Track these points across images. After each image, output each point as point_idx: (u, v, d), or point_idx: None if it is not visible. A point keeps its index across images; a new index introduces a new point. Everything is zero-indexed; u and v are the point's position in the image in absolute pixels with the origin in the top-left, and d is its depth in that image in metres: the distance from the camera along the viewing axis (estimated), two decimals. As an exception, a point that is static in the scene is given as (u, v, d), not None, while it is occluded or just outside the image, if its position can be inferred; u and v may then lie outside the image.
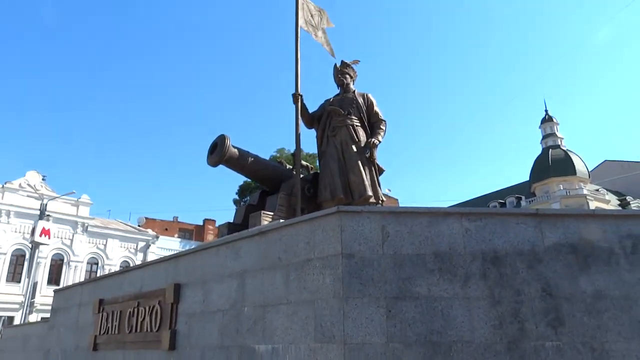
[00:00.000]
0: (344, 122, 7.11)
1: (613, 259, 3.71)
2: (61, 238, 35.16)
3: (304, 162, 8.71)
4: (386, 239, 3.59)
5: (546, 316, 3.49)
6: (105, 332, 6.13)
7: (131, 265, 33.34)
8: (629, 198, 53.06)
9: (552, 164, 51.44)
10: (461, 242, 3.64)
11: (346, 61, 7.90)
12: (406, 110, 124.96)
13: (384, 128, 7.37)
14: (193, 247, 5.27)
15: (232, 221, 7.15)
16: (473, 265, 3.59)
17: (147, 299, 5.50)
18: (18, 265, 33.19)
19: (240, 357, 4.06)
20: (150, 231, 41.28)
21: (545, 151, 54.24)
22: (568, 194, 47.72)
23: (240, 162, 6.94)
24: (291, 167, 7.92)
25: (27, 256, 28.29)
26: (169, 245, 39.79)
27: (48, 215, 26.79)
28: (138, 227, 42.31)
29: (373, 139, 7.06)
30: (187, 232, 50.27)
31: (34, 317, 25.27)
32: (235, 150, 6.82)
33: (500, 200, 55.17)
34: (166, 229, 49.25)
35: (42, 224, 19.58)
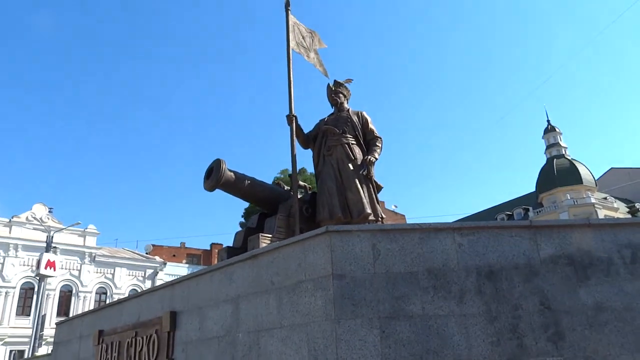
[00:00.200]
0: (340, 141, 7.10)
1: (613, 269, 3.62)
2: (69, 269, 35.22)
3: (301, 183, 8.67)
4: (377, 258, 3.52)
5: (546, 331, 3.39)
6: (105, 363, 6.04)
7: (139, 293, 33.12)
8: (638, 205, 52.44)
9: (558, 173, 51.11)
10: (454, 257, 3.56)
11: (339, 80, 7.93)
12: (409, 125, 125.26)
13: (379, 145, 7.35)
14: (188, 273, 5.22)
15: (232, 245, 7.11)
16: (468, 281, 3.50)
17: (144, 328, 5.42)
18: (27, 298, 33.18)
19: (236, 385, 3.96)
20: (157, 258, 41.23)
21: (549, 161, 53.95)
22: (576, 203, 47.28)
23: (237, 185, 6.91)
24: (289, 188, 7.88)
25: (42, 289, 28.34)
26: (177, 271, 39.63)
27: (55, 247, 26.89)
28: (145, 255, 42.29)
29: (369, 156, 7.03)
30: (194, 257, 50.19)
31: (43, 350, 25.08)
32: (232, 173, 6.80)
33: (508, 212, 54.73)
34: (174, 255, 49.21)
35: (47, 257, 19.59)
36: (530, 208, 52.58)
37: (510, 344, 3.34)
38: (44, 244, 25.22)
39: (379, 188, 7.25)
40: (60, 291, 34.77)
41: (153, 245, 46.60)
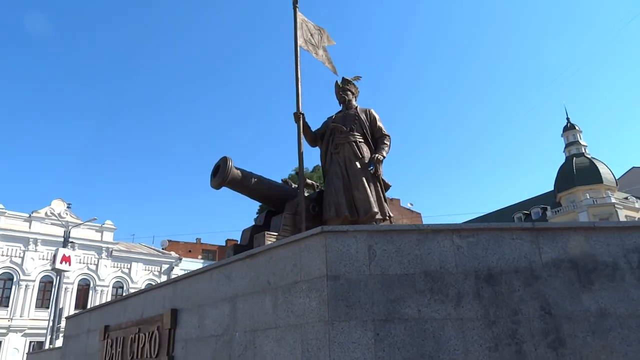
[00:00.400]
0: (347, 139, 7.03)
1: (618, 275, 3.49)
2: (87, 263, 35.83)
3: (309, 181, 8.62)
4: (373, 259, 3.46)
5: (546, 337, 3.29)
6: (110, 359, 6.08)
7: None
8: (660, 205, 51.26)
9: (577, 172, 50.16)
10: (452, 260, 3.48)
11: (347, 78, 7.86)
12: (428, 123, 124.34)
13: (388, 143, 7.25)
14: (190, 271, 5.22)
15: (239, 242, 7.11)
16: (466, 284, 3.42)
17: (147, 325, 5.44)
18: (46, 291, 33.86)
19: (232, 385, 3.94)
20: (173, 253, 41.65)
21: (569, 160, 52.98)
22: (595, 202, 46.37)
23: (243, 183, 6.89)
24: (297, 186, 7.84)
25: (60, 283, 28.88)
26: (192, 266, 39.97)
27: (72, 242, 27.33)
28: (161, 250, 42.76)
29: (377, 155, 6.94)
30: (210, 253, 50.61)
31: (60, 342, 25.56)
32: (238, 171, 6.78)
33: (525, 211, 53.97)
34: (189, 251, 49.70)
35: (62, 251, 19.92)
36: (549, 207, 51.77)
37: (508, 349, 3.25)
38: (62, 239, 25.70)
39: (387, 186, 7.16)
40: (78, 285, 35.41)
41: (169, 241, 47.09)
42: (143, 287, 35.91)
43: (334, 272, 3.40)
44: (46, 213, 35.00)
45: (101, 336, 6.46)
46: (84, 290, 35.59)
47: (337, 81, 7.74)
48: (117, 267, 37.43)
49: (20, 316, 32.18)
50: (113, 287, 36.71)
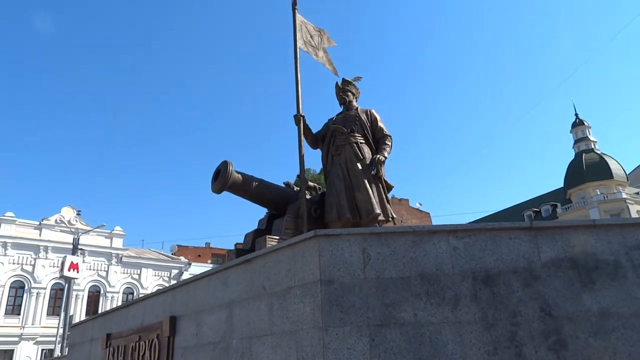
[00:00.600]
0: (348, 140, 6.97)
1: (620, 273, 3.39)
2: (97, 270, 36.06)
3: (311, 183, 8.56)
4: (367, 263, 3.39)
5: (546, 339, 3.20)
6: (112, 367, 6.06)
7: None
8: (673, 200, 50.57)
9: (587, 168, 49.65)
10: (449, 261, 3.40)
11: (347, 79, 7.81)
12: (434, 121, 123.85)
13: (389, 143, 7.18)
14: (188, 277, 5.18)
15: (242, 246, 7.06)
16: (463, 286, 3.34)
17: (147, 333, 5.41)
18: (57, 299, 34.06)
19: (229, 392, 3.89)
20: (182, 258, 41.77)
21: (578, 156, 52.47)
22: (606, 198, 45.84)
23: (244, 187, 6.85)
24: (299, 188, 7.79)
25: (69, 290, 29.08)
26: (202, 271, 40.02)
27: (81, 249, 27.48)
28: (171, 255, 42.91)
29: (378, 155, 6.87)
30: (219, 257, 50.68)
31: (71, 350, 25.67)
32: (239, 175, 6.74)
33: (535, 209, 53.53)
34: (199, 255, 49.87)
35: (70, 259, 20.02)
36: (559, 204, 51.28)
37: (508, 352, 3.16)
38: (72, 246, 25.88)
39: (389, 187, 7.09)
40: (89, 291, 35.63)
41: (178, 246, 47.26)
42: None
43: (328, 276, 3.34)
44: (56, 220, 35.27)
45: (103, 344, 6.44)
46: (94, 297, 35.80)
47: (337, 82, 7.68)
48: (127, 273, 37.60)
49: (32, 324, 32.41)
50: (123, 293, 36.89)
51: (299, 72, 7.51)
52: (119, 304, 35.04)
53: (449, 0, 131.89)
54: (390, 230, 3.51)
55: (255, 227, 7.39)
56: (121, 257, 37.31)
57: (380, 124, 7.25)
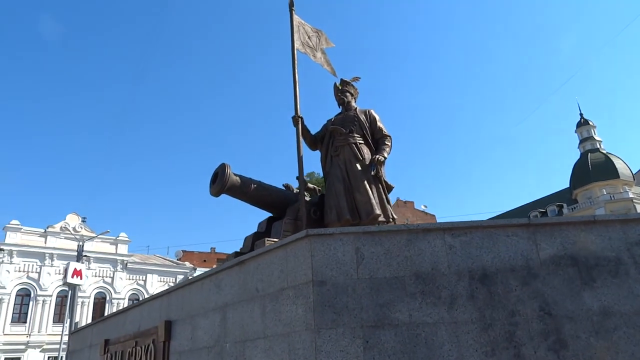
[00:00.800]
0: (347, 141, 6.89)
1: (622, 270, 3.29)
2: (102, 277, 36.08)
3: (310, 185, 8.48)
4: (361, 262, 3.30)
5: (546, 339, 3.10)
6: (109, 373, 5.99)
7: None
8: (680, 199, 50.08)
9: (593, 168, 49.29)
10: (445, 260, 3.31)
11: (346, 79, 7.74)
12: (438, 123, 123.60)
13: (389, 144, 7.09)
14: (183, 281, 5.11)
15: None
16: (459, 285, 3.24)
17: (143, 338, 5.34)
18: (63, 306, 34.06)
19: (223, 397, 3.81)
20: (188, 264, 41.76)
21: (584, 155, 52.11)
22: (612, 198, 45.45)
23: (243, 189, 6.79)
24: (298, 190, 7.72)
25: (74, 297, 29.07)
26: (206, 277, 39.97)
27: (87, 255, 27.48)
28: (176, 261, 42.92)
29: (378, 156, 6.78)
30: (224, 262, 50.52)
31: (77, 357, 25.65)
32: (237, 178, 6.68)
33: (541, 209, 53.10)
34: (204, 261, 49.78)
35: (73, 265, 20.01)
36: (565, 204, 50.91)
37: (506, 353, 3.06)
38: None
39: (389, 188, 7.00)
40: (95, 298, 35.65)
41: (183, 251, 47.27)
42: (158, 298, 36.18)
43: (320, 277, 3.25)
44: (61, 227, 35.34)
45: (101, 350, 6.38)
46: (100, 303, 35.79)
47: (335, 83, 7.62)
48: (133, 279, 37.61)
49: (39, 332, 32.45)
50: (129, 299, 36.85)
51: (296, 73, 7.45)
52: (125, 310, 35.12)
53: (453, 1, 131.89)
54: (383, 229, 3.42)
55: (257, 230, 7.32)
56: (126, 264, 37.34)
57: (379, 124, 7.16)
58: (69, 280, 19.33)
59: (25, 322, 32.39)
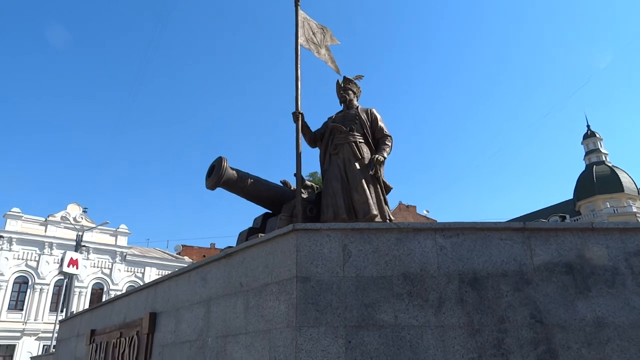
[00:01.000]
0: (346, 139, 6.78)
1: (618, 280, 3.16)
2: (101, 268, 36.05)
3: (308, 182, 8.37)
4: (348, 260, 3.19)
5: (536, 348, 2.98)
6: (94, 364, 5.89)
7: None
8: (685, 215, 49.68)
9: (597, 180, 48.99)
10: (434, 261, 3.19)
11: (349, 77, 7.63)
12: (443, 130, 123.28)
13: (389, 144, 6.97)
14: (170, 273, 5.00)
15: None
16: (448, 288, 3.13)
17: (128, 329, 5.24)
18: (60, 295, 34.01)
19: (202, 393, 3.70)
20: (186, 258, 41.71)
21: (589, 168, 51.83)
22: (616, 212, 45.15)
23: (239, 184, 6.69)
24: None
25: (70, 286, 29.07)
26: (205, 273, 39.88)
27: (85, 245, 27.44)
28: (175, 255, 42.88)
29: (377, 155, 6.67)
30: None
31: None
32: (234, 172, 6.58)
33: (544, 220, 52.84)
34: (204, 256, 49.69)
35: (69, 255, 19.96)
36: (567, 216, 50.58)
37: (493, 361, 2.94)
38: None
39: (388, 189, 6.88)
40: (92, 288, 35.62)
41: (183, 246, 47.23)
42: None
43: (305, 273, 3.14)
44: (62, 217, 35.35)
45: (87, 340, 6.28)
46: (97, 294, 35.77)
47: (338, 80, 7.51)
48: (131, 271, 37.59)
49: (35, 320, 32.44)
50: (126, 291, 36.85)
51: (299, 69, 7.34)
52: (122, 302, 35.10)
53: (460, 8, 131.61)
54: (373, 227, 3.31)
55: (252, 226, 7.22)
56: (125, 255, 37.32)
57: (380, 123, 7.04)
58: (65, 269, 19.29)
59: (22, 309, 32.40)
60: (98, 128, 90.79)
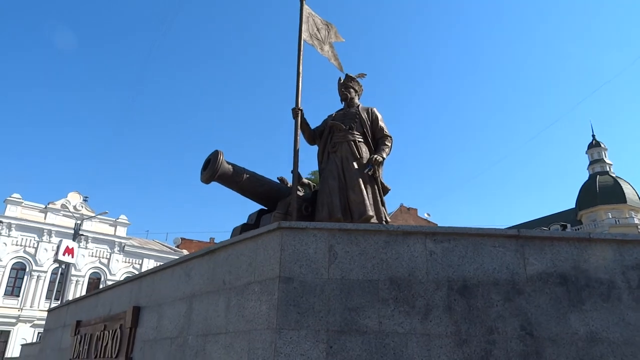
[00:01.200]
0: (346, 138, 6.65)
1: (614, 294, 3.04)
2: (99, 257, 35.99)
3: (305, 180, 8.25)
4: (333, 261, 3.07)
5: (525, 361, 2.85)
6: (77, 356, 5.79)
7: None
8: (687, 229, 49.36)
9: (600, 191, 48.72)
10: (423, 267, 3.07)
11: (351, 75, 7.49)
12: (446, 137, 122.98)
13: (389, 144, 6.83)
14: (155, 266, 4.89)
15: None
16: (436, 295, 3.00)
17: (112, 322, 5.13)
18: (59, 283, 34.03)
19: (179, 392, 3.58)
20: (185, 251, 41.63)
21: (592, 177, 51.55)
22: (617, 222, 44.88)
23: (235, 178, 6.56)
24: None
25: (67, 275, 29.03)
26: (202, 267, 39.81)
27: (82, 234, 27.37)
28: (174, 248, 42.82)
29: (376, 155, 6.53)
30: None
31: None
32: (230, 166, 6.46)
33: (545, 228, 52.58)
34: (202, 250, 49.66)
35: (65, 243, 19.87)
36: (569, 225, 50.30)
37: (480, 373, 2.82)
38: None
39: (385, 190, 6.75)
40: (90, 278, 35.56)
41: (182, 239, 47.15)
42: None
43: (288, 273, 3.02)
44: (62, 205, 35.29)
45: (72, 331, 6.18)
46: (94, 283, 35.71)
47: (340, 77, 7.39)
48: (129, 262, 37.54)
49: (31, 307, 32.42)
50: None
51: (301, 64, 7.21)
52: (118, 293, 35.02)
53: (467, 16, 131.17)
54: (361, 228, 3.19)
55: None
56: (124, 246, 37.27)
57: (381, 123, 6.91)
58: (60, 257, 19.19)
59: (19, 296, 32.37)
60: (103, 122, 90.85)
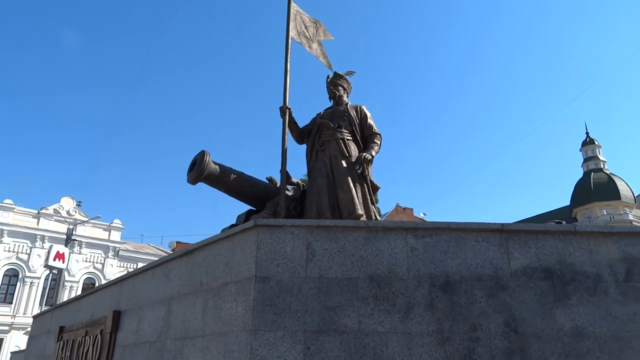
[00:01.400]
0: (334, 136, 6.56)
1: (600, 288, 2.95)
2: (93, 262, 35.71)
3: (294, 179, 8.16)
4: (311, 259, 2.97)
5: (509, 358, 2.76)
6: (60, 362, 5.66)
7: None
8: (681, 224, 49.57)
9: (595, 188, 48.86)
10: (404, 263, 2.97)
11: (339, 72, 7.39)
12: (440, 134, 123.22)
13: (378, 142, 6.75)
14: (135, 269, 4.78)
15: None
16: (418, 292, 2.91)
17: (94, 327, 5.01)
18: (51, 289, 33.72)
19: (157, 398, 3.47)
20: (179, 256, 41.46)
21: (586, 175, 51.70)
22: (612, 219, 45.03)
23: (222, 179, 6.46)
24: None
25: (59, 280, 28.75)
26: (197, 270, 39.60)
27: (75, 240, 27.15)
28: (169, 252, 42.58)
29: (365, 153, 6.44)
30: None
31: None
32: (216, 166, 6.35)
33: (540, 226, 52.64)
34: (198, 255, 49.41)
35: (56, 248, 19.68)
36: (563, 222, 50.35)
37: (463, 372, 2.72)
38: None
39: (375, 188, 6.66)
40: (84, 283, 35.25)
41: (177, 243, 46.88)
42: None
43: (264, 272, 2.92)
44: (54, 210, 35.01)
45: (56, 338, 6.05)
46: (89, 289, 35.14)
47: (328, 75, 7.29)
48: (124, 267, 37.25)
49: (24, 314, 32.09)
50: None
51: (289, 62, 7.10)
52: (113, 298, 34.76)
53: (462, 14, 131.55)
54: (340, 224, 3.09)
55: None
56: (118, 251, 37.01)
57: (370, 121, 6.83)
58: (51, 262, 19.00)
59: (11, 303, 32.04)
60: (96, 126, 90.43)
